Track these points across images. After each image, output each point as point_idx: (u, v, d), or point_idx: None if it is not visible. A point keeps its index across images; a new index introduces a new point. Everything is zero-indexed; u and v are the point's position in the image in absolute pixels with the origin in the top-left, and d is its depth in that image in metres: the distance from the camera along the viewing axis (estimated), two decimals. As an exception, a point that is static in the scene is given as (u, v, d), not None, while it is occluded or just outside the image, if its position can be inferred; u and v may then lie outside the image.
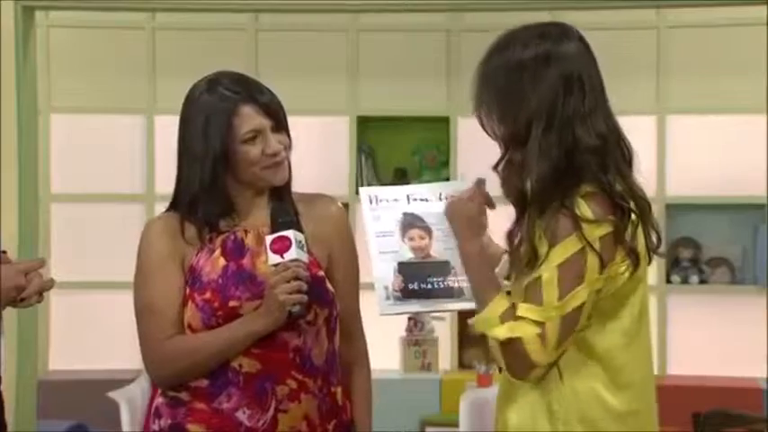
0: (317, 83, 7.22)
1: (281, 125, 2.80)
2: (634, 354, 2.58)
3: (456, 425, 5.41)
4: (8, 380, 5.32)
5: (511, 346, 2.48)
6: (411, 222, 2.71)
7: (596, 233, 2.48)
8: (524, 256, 2.52)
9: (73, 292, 7.14)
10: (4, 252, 2.83)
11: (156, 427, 2.79)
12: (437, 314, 6.99)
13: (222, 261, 2.76)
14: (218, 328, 2.72)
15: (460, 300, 2.68)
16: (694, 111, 7.09)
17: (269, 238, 2.70)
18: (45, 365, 7.04)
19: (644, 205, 2.56)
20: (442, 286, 2.67)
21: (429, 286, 2.67)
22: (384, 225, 2.70)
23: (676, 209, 7.07)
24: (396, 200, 2.74)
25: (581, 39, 2.62)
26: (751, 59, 6.75)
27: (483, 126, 2.63)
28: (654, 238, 2.57)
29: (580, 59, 2.58)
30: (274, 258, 2.68)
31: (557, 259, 2.47)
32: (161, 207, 2.89)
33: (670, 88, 7.11)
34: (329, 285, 2.81)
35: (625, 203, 2.52)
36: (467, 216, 2.64)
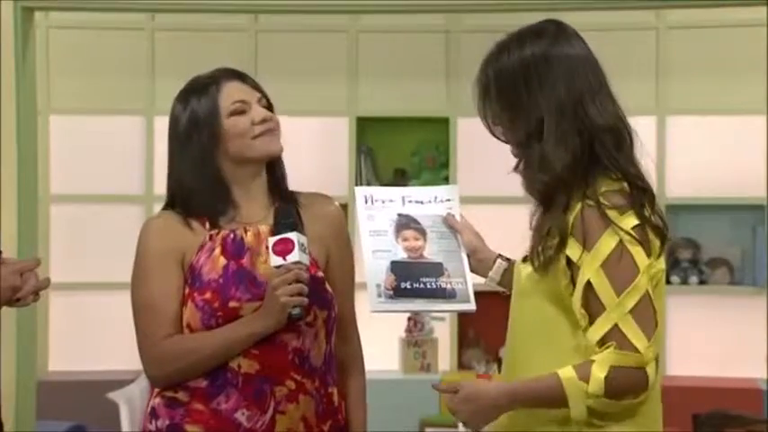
0: (317, 84, 7.22)
1: (266, 102, 2.81)
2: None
3: (455, 426, 5.41)
4: (8, 380, 5.32)
5: (613, 382, 2.42)
6: (405, 223, 2.73)
7: (628, 224, 2.47)
8: (549, 249, 2.49)
9: (72, 292, 7.14)
10: (0, 252, 2.83)
11: (152, 427, 2.79)
12: (435, 314, 7.00)
13: (222, 260, 2.75)
14: (217, 328, 2.72)
15: (452, 301, 2.70)
16: (694, 112, 7.09)
17: (271, 240, 2.70)
18: (44, 366, 7.03)
19: (651, 190, 2.57)
20: (434, 287, 2.69)
21: (421, 286, 2.68)
22: (378, 224, 2.72)
23: (676, 209, 7.06)
24: (391, 200, 2.76)
25: (576, 33, 2.63)
26: (751, 60, 6.75)
27: (492, 133, 2.63)
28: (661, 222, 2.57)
29: (579, 51, 2.59)
30: (276, 260, 2.68)
31: (598, 260, 2.45)
32: (160, 208, 2.89)
33: (670, 89, 7.11)
34: (328, 287, 2.81)
35: (639, 184, 2.52)
36: (482, 406, 2.54)
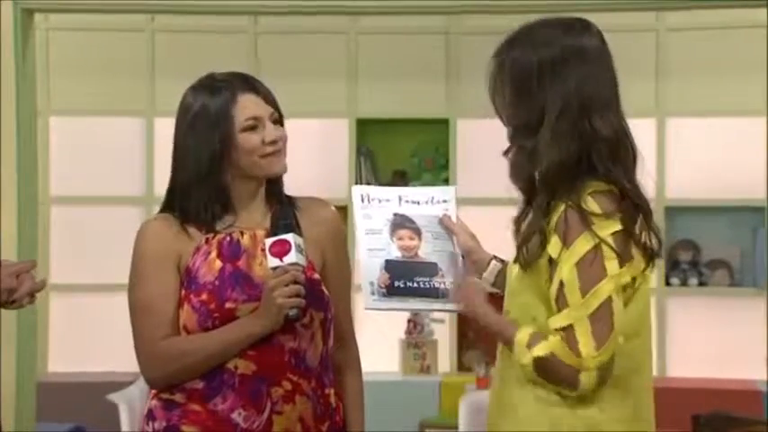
0: (317, 85, 7.22)
1: (278, 117, 2.81)
2: (639, 358, 2.58)
3: (455, 427, 5.41)
4: (7, 382, 5.32)
5: (545, 365, 2.48)
6: (401, 223, 2.74)
7: (608, 229, 2.49)
8: (532, 246, 2.52)
9: (72, 294, 7.15)
10: (-6, 255, 2.83)
11: (149, 429, 2.79)
12: (434, 316, 7.01)
13: (218, 263, 2.76)
14: (213, 329, 2.72)
15: (445, 300, 2.71)
16: (694, 113, 7.09)
17: (268, 241, 2.71)
18: (44, 368, 7.03)
19: (647, 207, 2.57)
20: (428, 286, 2.70)
21: (415, 285, 2.70)
22: (374, 223, 2.73)
23: (676, 211, 7.07)
24: (387, 200, 2.77)
25: (600, 35, 2.65)
26: (750, 62, 6.75)
27: (495, 108, 2.63)
28: (654, 242, 2.58)
29: (600, 57, 2.60)
30: (273, 261, 2.69)
31: (573, 259, 2.47)
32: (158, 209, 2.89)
33: (669, 91, 7.12)
34: (324, 288, 2.81)
35: (634, 199, 2.53)
36: (481, 294, 2.66)
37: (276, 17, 7.04)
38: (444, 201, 2.79)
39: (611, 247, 2.48)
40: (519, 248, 2.56)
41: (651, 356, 2.65)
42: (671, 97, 7.11)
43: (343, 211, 5.98)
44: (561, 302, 2.48)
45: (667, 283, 7.07)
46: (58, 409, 6.58)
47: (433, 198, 2.78)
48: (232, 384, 2.73)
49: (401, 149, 7.34)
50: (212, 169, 2.76)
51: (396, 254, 2.71)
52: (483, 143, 6.70)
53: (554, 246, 2.50)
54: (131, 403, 5.44)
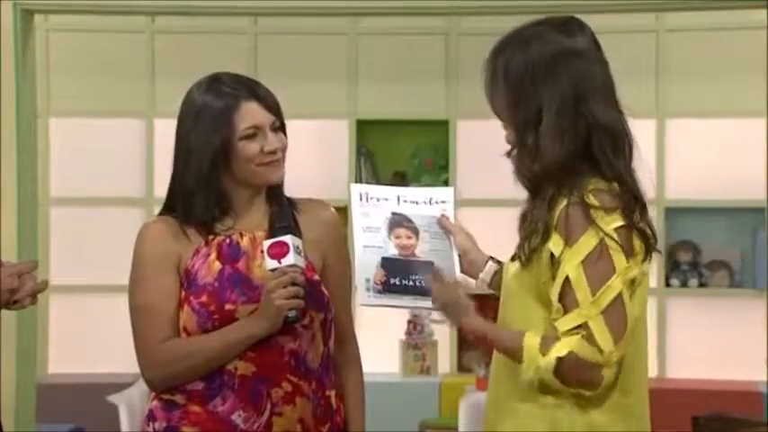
0: (317, 86, 7.22)
1: (279, 124, 2.81)
2: (633, 355, 2.58)
3: (455, 428, 5.42)
4: (7, 383, 5.32)
5: (566, 365, 2.45)
6: (399, 222, 2.75)
7: (611, 224, 2.49)
8: (534, 241, 2.52)
9: (72, 295, 7.15)
10: (-4, 255, 2.83)
11: (150, 429, 2.80)
12: (434, 315, 6.99)
13: (218, 264, 2.76)
14: (213, 331, 2.73)
15: None
16: (694, 114, 7.09)
17: (266, 243, 2.71)
18: (44, 369, 7.03)
19: (644, 201, 2.58)
20: (423, 285, 2.70)
21: (410, 283, 2.70)
22: (372, 221, 2.74)
23: (676, 212, 7.07)
24: (386, 199, 2.77)
25: (591, 33, 2.66)
26: (751, 63, 6.75)
27: (495, 110, 2.64)
28: (650, 235, 2.57)
29: (590, 52, 2.61)
30: (271, 263, 2.69)
31: (578, 257, 2.47)
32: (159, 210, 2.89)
33: (669, 92, 7.11)
34: (324, 289, 2.82)
35: (633, 192, 2.54)
36: (454, 299, 2.63)
37: (276, 18, 7.05)
38: (443, 201, 2.80)
39: (617, 242, 2.48)
40: (521, 243, 2.56)
41: (647, 357, 2.65)
42: (671, 98, 7.11)
43: (343, 211, 5.97)
44: (569, 302, 2.47)
45: (667, 284, 7.07)
46: (58, 410, 6.58)
47: (431, 198, 2.79)
48: (232, 386, 2.74)
49: (401, 150, 7.34)
50: (212, 172, 2.76)
51: (393, 252, 2.72)
52: (483, 144, 6.69)
53: (555, 243, 2.50)
54: (131, 404, 5.44)
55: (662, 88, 7.11)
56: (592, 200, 2.49)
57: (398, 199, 2.78)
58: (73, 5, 5.91)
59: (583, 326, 2.45)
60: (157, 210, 2.89)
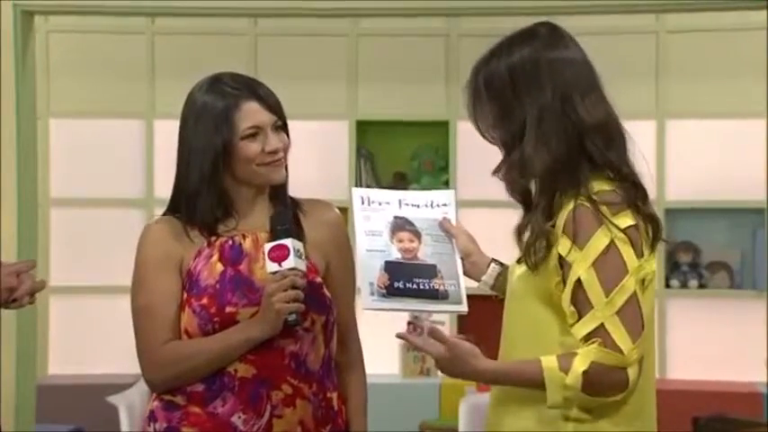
0: (317, 87, 7.22)
1: (281, 124, 2.81)
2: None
3: (455, 430, 5.40)
4: (7, 384, 5.32)
5: (591, 377, 2.44)
6: (401, 225, 2.74)
7: (622, 224, 2.48)
8: (538, 248, 2.51)
9: (72, 296, 7.14)
10: (-5, 255, 2.83)
11: (151, 430, 2.80)
12: (432, 318, 7.00)
13: (219, 266, 2.76)
14: (214, 333, 2.73)
15: (444, 302, 2.71)
16: (694, 115, 7.09)
17: (267, 246, 2.71)
18: (44, 370, 7.03)
19: (645, 190, 2.57)
20: (427, 288, 2.69)
21: (414, 286, 2.69)
22: (374, 225, 2.74)
23: (676, 213, 7.06)
24: (387, 203, 2.77)
25: (567, 33, 2.64)
26: (751, 64, 6.75)
27: (481, 133, 2.64)
28: (654, 227, 2.57)
29: (570, 53, 2.60)
30: (272, 266, 2.69)
31: (589, 258, 2.46)
32: (160, 211, 2.89)
33: (669, 92, 7.11)
34: (326, 291, 2.81)
35: (635, 181, 2.54)
36: (462, 361, 2.58)
37: (276, 19, 7.05)
38: (444, 204, 2.80)
39: (628, 241, 2.47)
40: (526, 251, 2.55)
41: (654, 357, 2.64)
42: (671, 99, 7.11)
43: (344, 213, 5.97)
44: (582, 304, 2.46)
45: (667, 285, 7.07)
46: (57, 411, 6.58)
47: (432, 201, 2.79)
48: (232, 388, 2.73)
49: (401, 151, 7.34)
50: (214, 173, 2.76)
51: (395, 255, 2.71)
52: (483, 145, 6.68)
53: (563, 246, 2.49)
54: (131, 405, 5.43)
55: (662, 89, 7.11)
56: (600, 200, 2.49)
57: (400, 202, 2.78)
58: (73, 6, 5.92)
59: (599, 328, 2.44)
60: (157, 211, 2.89)
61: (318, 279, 2.80)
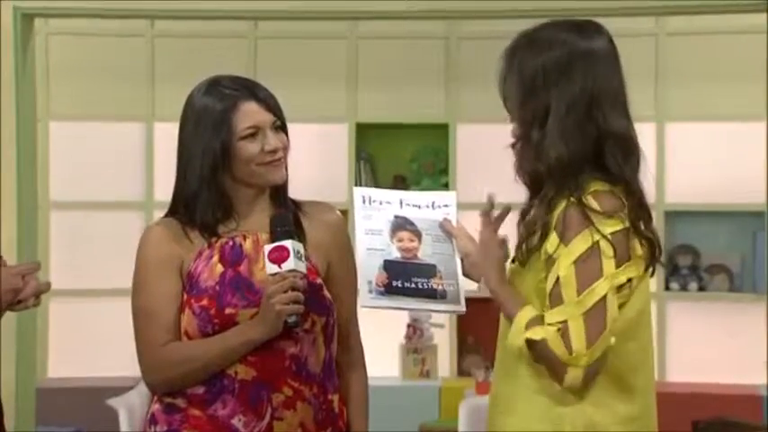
0: (316, 90, 7.22)
1: (280, 124, 2.81)
2: (638, 358, 2.58)
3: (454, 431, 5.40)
4: (7, 387, 5.32)
5: (538, 350, 2.49)
6: (401, 225, 2.75)
7: (608, 229, 2.50)
8: (532, 241, 2.54)
9: (72, 299, 7.14)
10: (0, 257, 2.83)
11: (151, 432, 2.80)
12: (435, 319, 7.01)
13: (220, 268, 2.76)
14: (213, 335, 2.73)
15: (443, 302, 2.72)
16: (693, 118, 7.09)
17: (267, 248, 2.71)
18: (44, 373, 7.03)
19: (649, 210, 2.59)
20: (425, 287, 2.70)
21: (413, 286, 2.70)
22: (374, 224, 2.74)
23: (675, 216, 7.06)
24: (388, 202, 2.78)
25: (609, 37, 2.68)
26: (750, 67, 6.75)
27: (504, 102, 2.64)
28: (656, 243, 2.58)
29: (607, 57, 2.64)
30: (272, 268, 2.69)
31: (571, 256, 2.49)
32: (160, 214, 2.90)
33: (669, 95, 7.11)
34: (327, 293, 2.81)
35: (640, 199, 2.55)
36: (497, 258, 2.64)
37: (276, 22, 7.05)
38: (445, 205, 2.80)
39: (610, 247, 2.49)
40: (520, 243, 2.58)
41: (652, 358, 2.65)
42: (671, 102, 7.11)
43: (344, 215, 5.98)
44: (555, 299, 2.49)
45: (667, 288, 7.07)
46: (57, 413, 6.58)
47: (433, 202, 2.80)
48: (232, 390, 2.74)
49: (401, 154, 7.34)
50: (214, 174, 2.76)
51: (395, 255, 2.72)
52: (482, 148, 6.70)
53: (552, 242, 2.52)
54: (131, 408, 5.43)
55: (662, 92, 7.11)
56: (591, 202, 2.51)
57: (401, 202, 2.78)
58: (73, 9, 5.92)
59: (563, 323, 2.48)
60: (157, 213, 2.90)
61: (319, 280, 2.81)
